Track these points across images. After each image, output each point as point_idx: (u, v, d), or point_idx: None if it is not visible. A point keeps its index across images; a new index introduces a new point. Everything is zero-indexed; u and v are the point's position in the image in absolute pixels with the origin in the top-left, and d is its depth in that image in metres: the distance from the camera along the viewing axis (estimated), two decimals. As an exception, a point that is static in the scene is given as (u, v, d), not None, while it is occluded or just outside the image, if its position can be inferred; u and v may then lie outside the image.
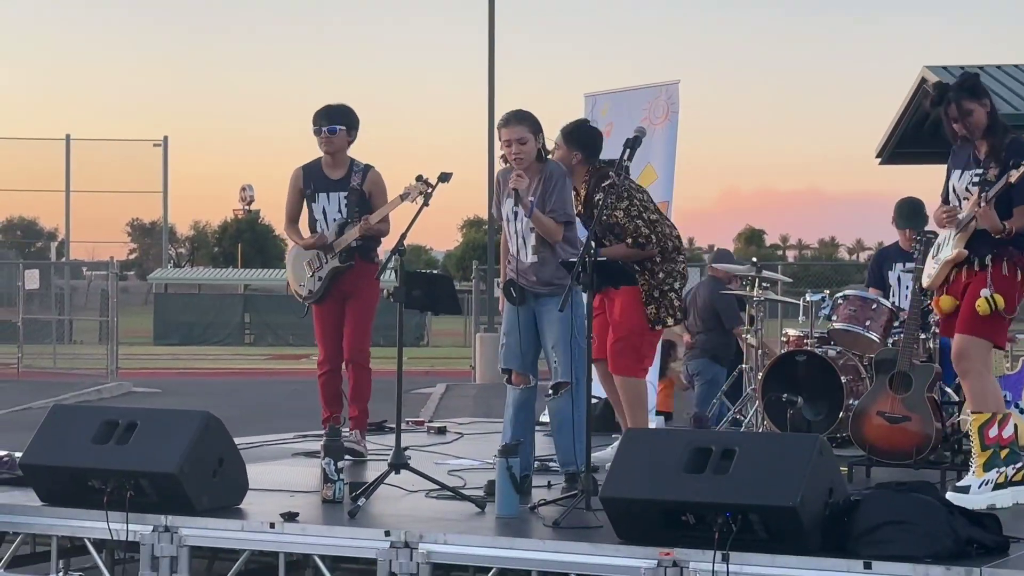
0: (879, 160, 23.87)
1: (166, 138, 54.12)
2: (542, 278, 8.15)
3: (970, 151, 7.88)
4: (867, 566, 6.04)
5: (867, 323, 9.87)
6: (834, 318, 10.11)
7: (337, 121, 9.52)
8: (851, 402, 9.82)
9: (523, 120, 8.17)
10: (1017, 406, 8.76)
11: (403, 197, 8.94)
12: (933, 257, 8.03)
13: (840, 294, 10.29)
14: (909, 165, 25.33)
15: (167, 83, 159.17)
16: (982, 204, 7.60)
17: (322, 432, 9.57)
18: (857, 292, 10.16)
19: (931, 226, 8.80)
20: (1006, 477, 7.73)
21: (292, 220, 9.77)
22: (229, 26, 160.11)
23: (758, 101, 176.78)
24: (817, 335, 10.81)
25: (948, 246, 7.87)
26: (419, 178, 8.68)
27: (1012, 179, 7.54)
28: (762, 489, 6.26)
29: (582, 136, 8.91)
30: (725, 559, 6.17)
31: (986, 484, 7.63)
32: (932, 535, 6.15)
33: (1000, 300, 7.64)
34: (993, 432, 7.74)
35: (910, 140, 22.02)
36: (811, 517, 6.24)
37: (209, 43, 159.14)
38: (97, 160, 53.34)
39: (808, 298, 11.06)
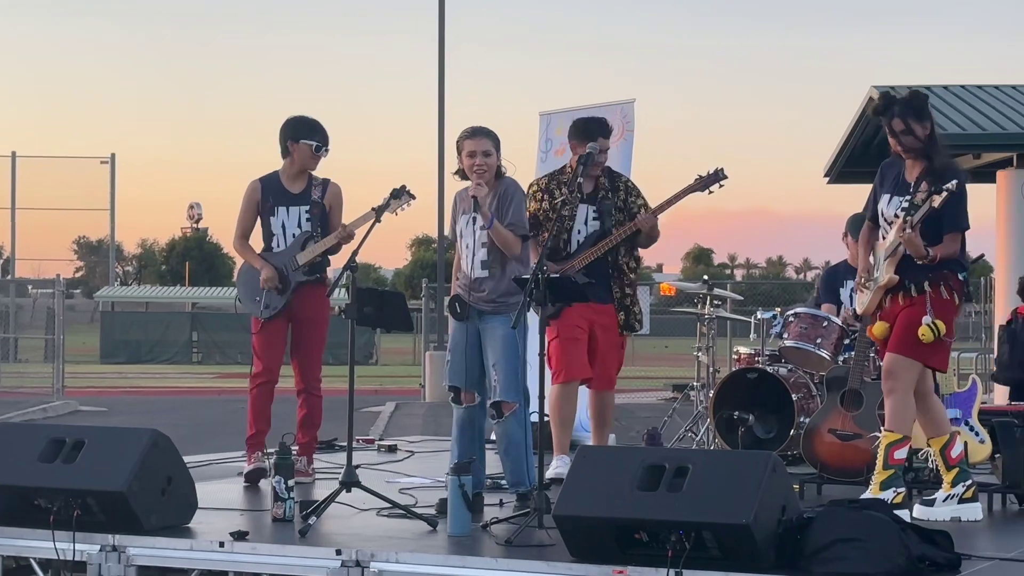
0: (827, 179, 23.97)
1: (113, 155, 53.78)
2: (488, 294, 8.13)
3: (899, 171, 7.91)
4: (820, 583, 6.02)
5: (818, 340, 9.88)
6: (785, 335, 10.12)
7: (328, 142, 9.44)
8: (802, 420, 9.84)
9: (488, 135, 8.24)
10: (967, 423, 8.78)
11: (381, 210, 8.77)
12: (865, 284, 8.03)
13: (791, 311, 10.30)
14: (857, 184, 25.43)
15: (114, 100, 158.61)
16: (907, 230, 7.61)
17: (272, 451, 9.47)
18: (808, 310, 10.18)
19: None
20: (902, 496, 7.77)
21: (244, 236, 9.54)
22: (177, 43, 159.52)
23: (708, 121, 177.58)
24: (768, 353, 10.82)
25: (879, 271, 7.88)
26: (398, 190, 8.68)
27: (936, 204, 7.56)
28: (715, 506, 6.24)
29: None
30: (678, 577, 6.15)
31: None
32: (884, 552, 6.15)
33: (942, 326, 7.68)
34: (899, 454, 7.82)
35: (858, 160, 22.10)
36: (764, 534, 6.22)
37: (156, 61, 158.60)
38: (43, 177, 52.97)
39: (759, 316, 11.06)
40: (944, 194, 7.54)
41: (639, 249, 9.51)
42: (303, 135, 9.39)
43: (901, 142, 7.81)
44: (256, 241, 9.58)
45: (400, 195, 8.58)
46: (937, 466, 8.08)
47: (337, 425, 9.42)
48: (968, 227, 7.80)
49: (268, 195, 9.43)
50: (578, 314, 9.03)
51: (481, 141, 8.19)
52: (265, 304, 9.38)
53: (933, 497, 7.87)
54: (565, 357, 9.13)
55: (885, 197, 7.94)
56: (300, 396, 9.45)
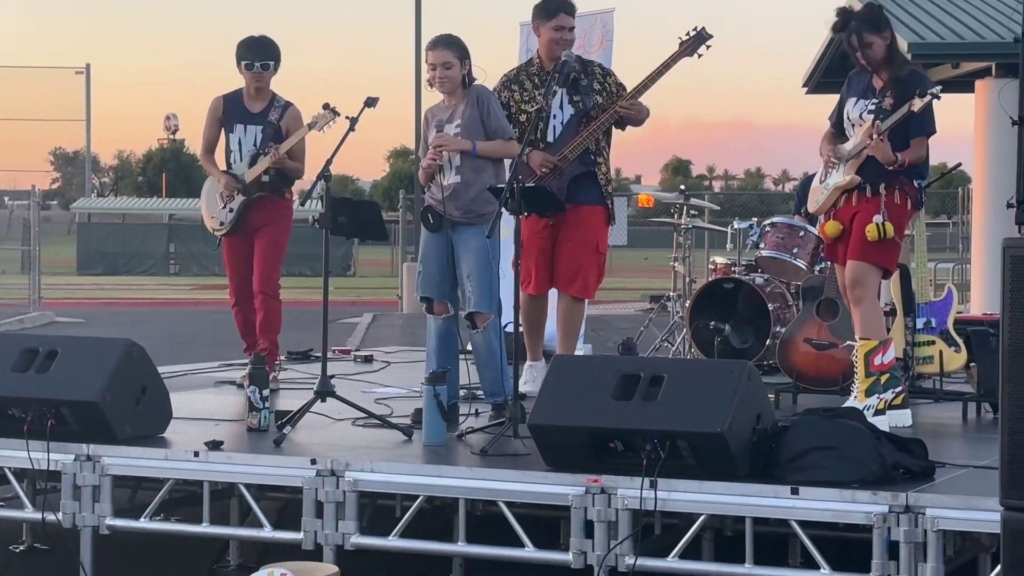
0: (806, 90, 23.89)
1: (88, 66, 53.40)
2: (460, 202, 8.08)
3: (867, 79, 7.94)
4: (794, 491, 6.03)
5: (794, 250, 9.87)
6: (762, 245, 10.11)
7: (268, 57, 9.43)
8: (778, 329, 9.84)
9: (450, 45, 8.11)
10: (942, 333, 8.79)
11: (310, 126, 9.10)
12: (821, 182, 8.06)
13: (768, 221, 10.28)
14: (836, 95, 25.35)
15: (90, 10, 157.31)
16: (875, 135, 7.62)
17: (246, 361, 9.48)
18: (785, 220, 10.15)
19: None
20: (885, 403, 7.79)
21: (209, 150, 9.69)
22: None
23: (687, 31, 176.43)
24: (744, 263, 10.82)
25: (838, 171, 7.90)
26: (326, 106, 8.96)
27: (915, 108, 7.57)
28: (690, 415, 6.24)
29: None
30: (653, 485, 6.15)
31: (867, 409, 7.63)
32: (859, 460, 6.16)
33: (890, 228, 7.71)
34: (879, 360, 7.81)
35: (836, 70, 22.00)
36: (739, 443, 6.22)
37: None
38: (18, 88, 52.63)
39: (736, 226, 11.04)
40: (927, 98, 7.55)
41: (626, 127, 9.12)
42: (240, 56, 9.44)
43: (864, 55, 7.82)
44: (220, 160, 9.63)
45: (372, 104, 8.50)
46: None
47: (313, 335, 9.40)
48: (933, 130, 7.82)
49: (228, 112, 9.52)
50: (540, 221, 8.77)
51: (440, 53, 8.09)
52: (220, 221, 9.54)
53: (886, 403, 7.80)
54: (524, 269, 8.65)
55: (851, 100, 7.96)
56: (257, 299, 9.49)
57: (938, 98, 7.59)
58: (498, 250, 8.00)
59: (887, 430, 6.95)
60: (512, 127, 8.51)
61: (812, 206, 8.16)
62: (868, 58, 7.80)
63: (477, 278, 7.95)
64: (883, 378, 7.83)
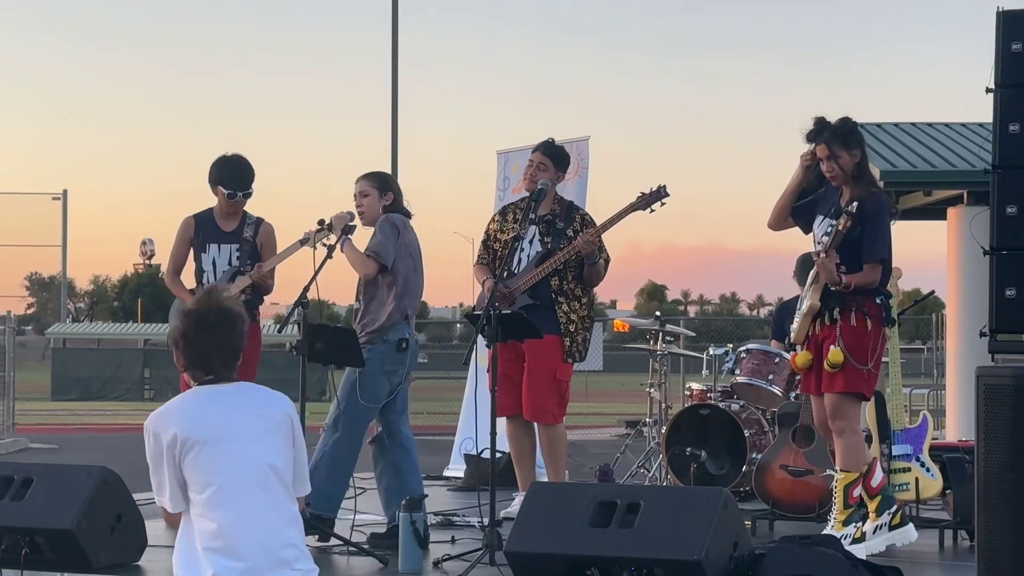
0: (780, 216, 24.10)
1: (65, 191, 53.49)
2: (360, 325, 8.48)
3: (836, 197, 7.90)
4: (772, 620, 6.02)
5: (770, 377, 9.92)
6: (737, 372, 10.14)
7: (248, 185, 9.27)
8: (754, 456, 9.85)
9: (368, 176, 8.75)
10: (918, 459, 8.81)
11: (303, 242, 8.90)
12: (798, 310, 8.03)
13: (743, 348, 10.34)
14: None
15: (66, 136, 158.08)
16: (821, 255, 7.62)
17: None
18: (760, 346, 10.21)
19: None
20: (863, 533, 7.72)
21: (177, 271, 9.43)
22: (127, 77, 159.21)
23: (660, 157, 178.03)
24: (720, 389, 10.84)
25: (806, 298, 7.88)
26: (321, 223, 8.71)
27: (840, 227, 7.55)
28: (667, 543, 6.24)
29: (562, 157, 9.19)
30: (630, 614, 6.13)
31: (844, 538, 7.58)
32: (836, 588, 6.16)
33: (837, 354, 7.61)
34: (856, 492, 7.76)
35: (810, 194, 22.24)
36: (716, 571, 6.22)
37: (108, 94, 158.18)
38: (-6, 213, 52.68)
39: (711, 352, 11.09)
40: (844, 217, 7.52)
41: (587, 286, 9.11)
42: (219, 180, 9.29)
43: (826, 168, 7.81)
44: (188, 278, 9.47)
45: (350, 232, 8.57)
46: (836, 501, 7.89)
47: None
48: (885, 256, 7.71)
49: (200, 231, 9.34)
50: (509, 347, 8.63)
51: (359, 184, 8.72)
52: None
53: (862, 532, 7.75)
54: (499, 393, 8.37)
55: (819, 218, 7.93)
56: None
57: (852, 214, 7.51)
58: (374, 377, 8.41)
59: (864, 558, 6.94)
60: (485, 252, 9.04)
61: (793, 334, 8.05)
62: (830, 170, 7.78)
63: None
64: (873, 502, 7.76)
